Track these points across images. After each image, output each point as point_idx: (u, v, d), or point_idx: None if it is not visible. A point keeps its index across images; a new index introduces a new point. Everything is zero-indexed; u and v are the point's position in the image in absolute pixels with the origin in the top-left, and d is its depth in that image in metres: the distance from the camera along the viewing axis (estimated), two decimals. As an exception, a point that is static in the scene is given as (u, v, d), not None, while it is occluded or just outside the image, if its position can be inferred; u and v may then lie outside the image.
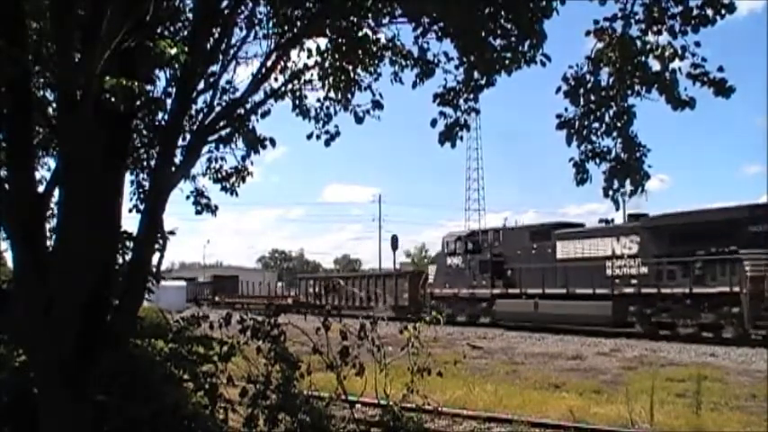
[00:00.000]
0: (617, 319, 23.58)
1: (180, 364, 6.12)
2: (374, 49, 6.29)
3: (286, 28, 6.03)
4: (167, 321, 6.75)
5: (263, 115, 6.51)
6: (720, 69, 5.08)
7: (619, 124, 5.48)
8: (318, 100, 6.69)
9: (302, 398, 6.37)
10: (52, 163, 7.12)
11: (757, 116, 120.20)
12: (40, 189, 5.20)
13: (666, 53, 5.17)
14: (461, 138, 6.00)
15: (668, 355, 18.31)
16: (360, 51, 6.27)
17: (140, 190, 6.80)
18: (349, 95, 6.51)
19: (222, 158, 6.93)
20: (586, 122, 5.51)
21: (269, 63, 5.85)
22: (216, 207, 7.32)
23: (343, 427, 7.09)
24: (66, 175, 4.89)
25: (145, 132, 6.69)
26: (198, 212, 7.20)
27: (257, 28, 6.16)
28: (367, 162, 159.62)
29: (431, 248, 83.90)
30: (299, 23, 5.97)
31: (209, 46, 5.39)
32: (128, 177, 6.26)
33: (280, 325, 6.47)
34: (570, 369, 15.72)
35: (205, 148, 6.08)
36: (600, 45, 5.35)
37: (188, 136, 5.85)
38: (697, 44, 5.09)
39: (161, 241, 5.75)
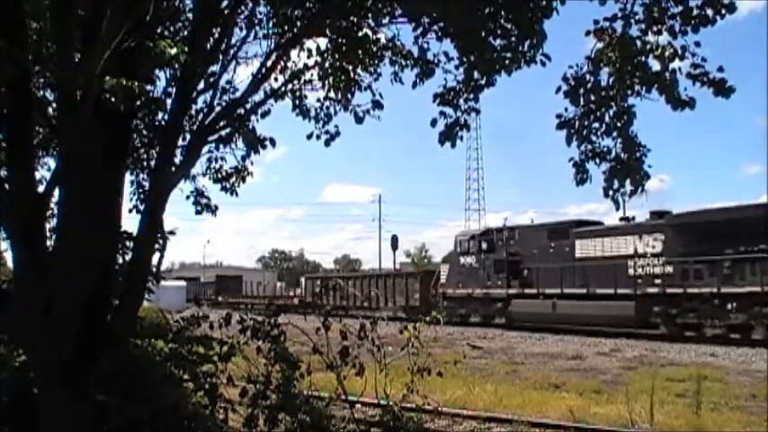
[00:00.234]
0: (640, 319, 22.78)
1: (180, 364, 6.12)
2: (374, 49, 6.29)
3: (286, 28, 6.03)
4: (167, 321, 6.75)
5: (263, 115, 6.51)
6: (720, 69, 5.08)
7: (619, 124, 5.49)
8: (318, 100, 6.71)
9: (302, 398, 6.37)
10: (52, 163, 7.13)
11: (757, 116, 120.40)
12: (40, 189, 5.20)
13: (666, 53, 5.17)
14: (461, 138, 6.01)
15: (668, 355, 18.30)
16: (360, 51, 6.27)
17: (140, 190, 6.80)
18: (349, 95, 6.51)
19: (222, 158, 6.95)
20: (586, 122, 5.51)
21: (269, 63, 5.85)
22: (216, 207, 7.33)
23: (343, 427, 7.10)
24: (66, 175, 4.89)
25: (145, 132, 6.69)
26: (198, 212, 7.21)
27: (257, 28, 6.17)
28: (367, 162, 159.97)
29: (431, 248, 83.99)
30: (299, 23, 5.98)
31: (209, 46, 5.39)
32: (128, 177, 6.27)
33: (280, 325, 6.47)
34: (570, 369, 15.71)
35: (205, 148, 6.08)
36: (600, 45, 5.35)
37: (188, 136, 5.85)
38: (697, 44, 5.10)
39: (161, 241, 5.75)
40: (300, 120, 6.72)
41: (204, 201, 7.24)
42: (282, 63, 6.26)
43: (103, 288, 4.99)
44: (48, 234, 5.23)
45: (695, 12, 5.04)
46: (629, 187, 5.45)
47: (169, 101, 5.70)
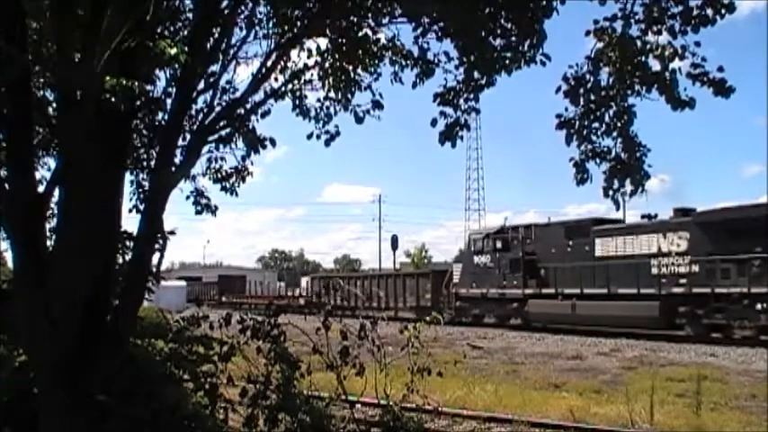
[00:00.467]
0: (665, 320, 22.03)
1: (180, 364, 6.13)
2: (374, 49, 6.29)
3: (286, 28, 6.03)
4: (167, 321, 6.75)
5: (263, 115, 6.51)
6: (720, 69, 5.08)
7: (619, 124, 5.49)
8: (318, 100, 6.70)
9: (302, 398, 6.37)
10: (52, 163, 7.14)
11: (757, 116, 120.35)
12: (40, 189, 5.20)
13: (666, 53, 5.17)
14: (461, 137, 6.01)
15: (668, 355, 18.30)
16: (360, 51, 6.27)
17: (140, 190, 6.79)
18: (349, 95, 6.51)
19: (222, 158, 6.93)
20: (586, 122, 5.52)
21: (269, 63, 5.85)
22: (216, 207, 7.32)
23: (343, 427, 7.10)
24: (66, 175, 4.89)
25: (145, 132, 6.69)
26: (198, 212, 7.21)
27: (257, 28, 6.17)
28: (367, 162, 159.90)
29: (431, 248, 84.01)
30: (299, 23, 5.97)
31: (209, 46, 5.39)
32: (128, 177, 6.27)
33: (280, 325, 6.47)
34: (570, 369, 15.72)
35: (205, 148, 6.08)
36: (600, 45, 5.36)
37: (188, 136, 5.85)
38: (697, 44, 5.10)
39: (161, 241, 5.75)
40: (300, 120, 6.73)
41: (204, 201, 7.23)
42: (282, 63, 6.25)
43: (103, 288, 4.99)
44: (48, 234, 5.23)
45: (695, 12, 5.05)
46: (629, 187, 5.45)
47: (169, 101, 5.70)
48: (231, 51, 5.86)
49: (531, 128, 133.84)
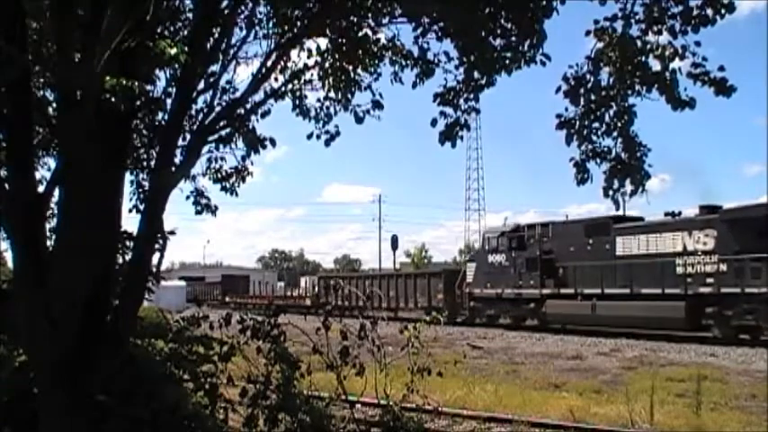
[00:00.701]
0: (691, 321, 21.11)
1: (180, 364, 6.13)
2: (374, 49, 6.29)
3: (286, 28, 6.03)
4: (167, 321, 6.75)
5: (263, 115, 6.51)
6: (721, 69, 5.08)
7: (619, 124, 5.49)
8: (318, 100, 6.70)
9: (302, 398, 6.37)
10: (52, 163, 7.13)
11: (757, 116, 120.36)
12: (40, 189, 5.20)
13: (666, 53, 5.17)
14: (461, 137, 6.01)
15: (668, 355, 18.31)
16: (360, 51, 6.27)
17: (140, 190, 6.79)
18: (349, 95, 6.51)
19: (222, 158, 6.94)
20: (586, 122, 5.52)
21: (269, 63, 5.85)
22: (216, 207, 7.32)
23: (343, 427, 7.10)
24: (66, 175, 4.89)
25: (145, 132, 6.69)
26: (198, 212, 7.21)
27: (257, 28, 6.17)
28: (367, 162, 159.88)
29: (430, 248, 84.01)
30: (299, 23, 5.97)
31: (209, 46, 5.39)
32: (128, 177, 6.27)
33: (280, 325, 6.47)
34: (570, 369, 15.72)
35: (205, 148, 6.08)
36: (600, 45, 5.36)
37: (188, 136, 5.85)
38: (697, 44, 5.10)
39: (161, 241, 5.75)
40: (300, 120, 6.73)
41: (204, 201, 7.24)
42: (282, 63, 6.25)
43: (103, 288, 4.99)
44: (48, 234, 5.23)
45: (695, 12, 5.04)
46: (629, 187, 5.45)
47: (169, 101, 5.70)
48: (231, 51, 5.87)
49: (531, 128, 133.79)
